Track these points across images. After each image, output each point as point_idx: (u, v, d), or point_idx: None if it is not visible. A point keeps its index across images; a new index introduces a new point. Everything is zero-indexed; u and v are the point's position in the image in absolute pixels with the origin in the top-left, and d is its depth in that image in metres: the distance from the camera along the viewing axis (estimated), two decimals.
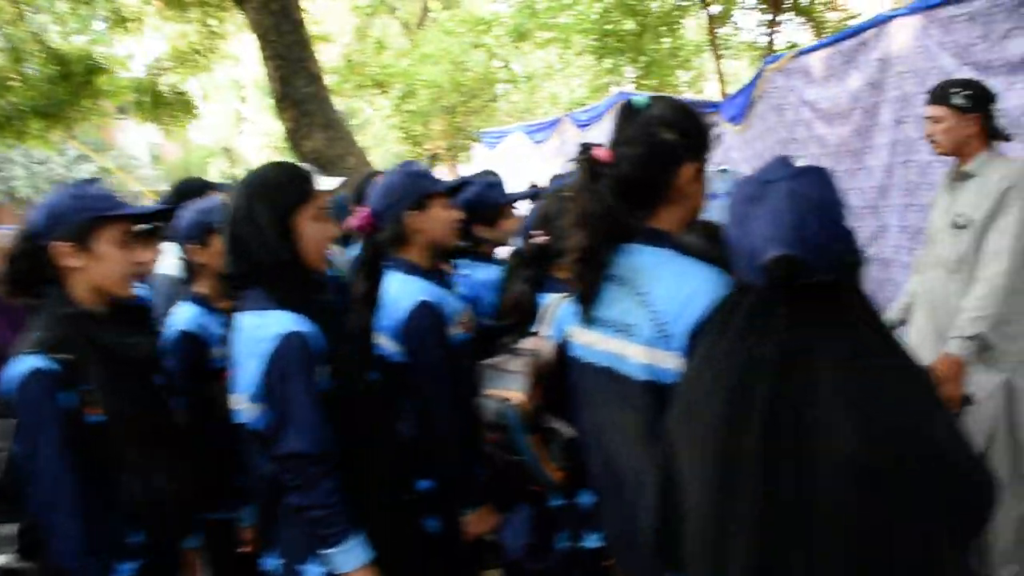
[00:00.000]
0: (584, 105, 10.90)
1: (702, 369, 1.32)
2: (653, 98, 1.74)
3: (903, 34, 5.45)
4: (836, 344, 1.22)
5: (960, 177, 2.97)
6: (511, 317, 2.36)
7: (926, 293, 3.03)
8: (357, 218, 2.44)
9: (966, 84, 2.95)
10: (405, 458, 2.26)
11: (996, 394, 2.73)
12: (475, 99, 13.31)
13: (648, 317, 1.60)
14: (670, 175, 1.65)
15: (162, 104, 10.13)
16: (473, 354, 2.31)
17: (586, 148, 1.72)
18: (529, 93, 14.31)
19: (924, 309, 3.02)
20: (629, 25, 11.24)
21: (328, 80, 12.84)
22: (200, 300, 2.59)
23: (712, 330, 1.34)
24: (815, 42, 6.67)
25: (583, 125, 10.12)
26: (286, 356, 1.86)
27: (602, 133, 8.98)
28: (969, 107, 2.88)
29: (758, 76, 7.12)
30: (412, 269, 2.45)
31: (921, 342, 2.98)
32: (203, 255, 2.56)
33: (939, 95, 2.97)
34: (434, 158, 13.48)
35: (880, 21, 5.68)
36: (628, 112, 1.71)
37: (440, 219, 2.48)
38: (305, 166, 2.15)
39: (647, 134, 1.66)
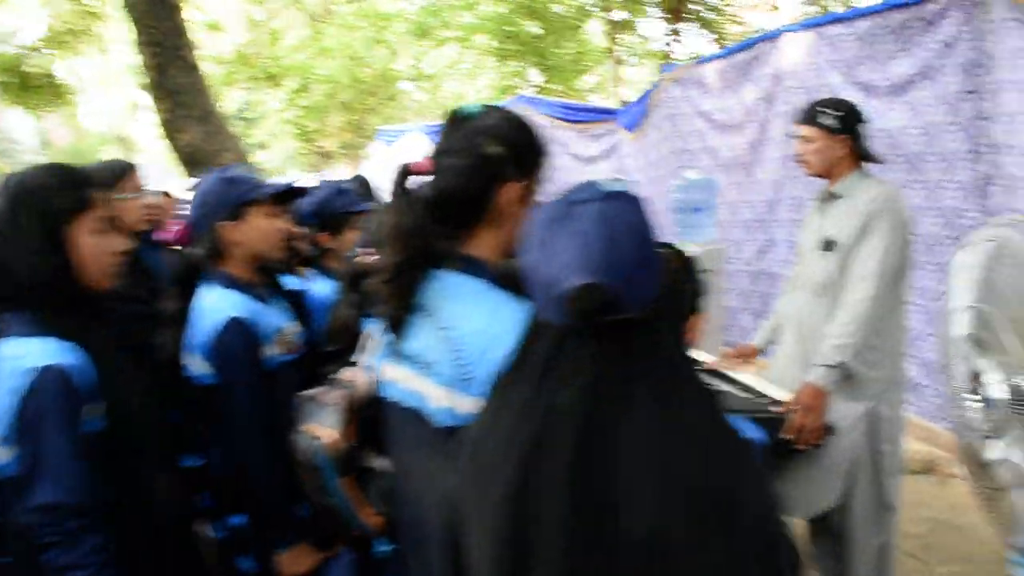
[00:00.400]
0: None
1: (495, 421, 1.12)
2: (485, 108, 1.55)
3: (794, 50, 5.46)
4: (645, 393, 1.05)
5: (829, 198, 2.89)
6: (338, 342, 2.12)
7: (793, 316, 2.95)
8: (174, 230, 2.18)
9: (836, 104, 2.87)
10: (190, 501, 2.02)
11: (859, 423, 2.65)
12: (373, 96, 12.97)
13: (450, 355, 1.40)
14: (491, 193, 1.47)
15: (31, 86, 9.49)
16: (300, 378, 2.08)
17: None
18: (431, 92, 14.05)
19: (791, 332, 2.93)
20: (532, 28, 11.15)
21: (219, 71, 12.37)
22: None
23: (508, 374, 1.15)
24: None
25: None
26: (41, 393, 1.58)
27: None
28: (838, 128, 2.80)
29: (655, 85, 7.07)
30: (229, 283, 2.19)
31: (788, 366, 2.89)
32: None
33: (808, 115, 2.88)
34: (327, 155, 13.06)
35: (773, 36, 5.70)
36: (455, 120, 1.52)
37: (260, 229, 2.23)
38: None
39: (471, 145, 1.47)
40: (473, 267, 1.49)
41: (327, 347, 2.19)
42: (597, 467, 1.03)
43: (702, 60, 6.64)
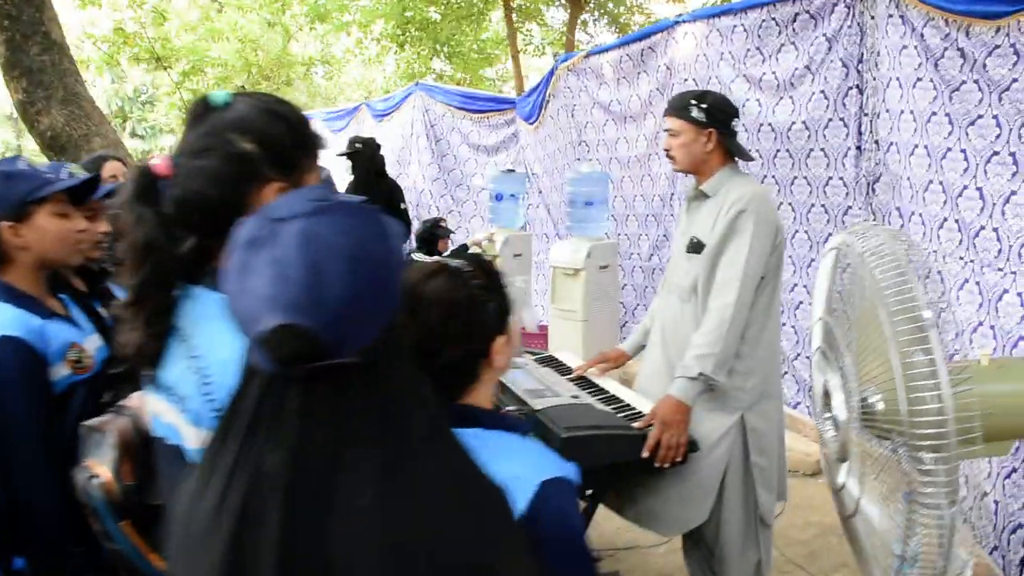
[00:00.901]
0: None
1: (204, 486, 0.90)
2: (234, 96, 1.31)
3: (687, 41, 5.36)
4: (363, 457, 0.86)
5: (697, 196, 2.73)
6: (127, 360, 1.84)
7: (660, 321, 2.78)
8: None
9: (704, 96, 2.71)
10: None
11: (728, 436, 2.51)
12: (268, 81, 12.44)
13: (199, 389, 1.18)
14: (246, 196, 1.25)
15: None
16: (96, 401, 1.81)
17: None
18: (329, 78, 13.57)
19: (657, 338, 2.76)
20: (432, 14, 10.81)
21: (98, 51, 11.67)
22: None
23: (218, 428, 0.92)
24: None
25: (379, 115, 9.63)
26: None
27: (398, 124, 8.55)
28: (706, 121, 2.64)
29: (551, 74, 6.90)
30: (7, 295, 1.89)
31: (652, 375, 2.73)
32: None
33: (676, 106, 2.71)
34: None
35: (667, 26, 5.58)
36: (200, 112, 1.29)
37: (49, 231, 1.94)
38: None
39: (219, 142, 1.25)
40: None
41: (113, 368, 1.92)
42: (308, 545, 0.83)
43: (597, 50, 6.48)
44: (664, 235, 5.93)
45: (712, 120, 2.60)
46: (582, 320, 5.66)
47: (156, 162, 1.25)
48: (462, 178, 8.64)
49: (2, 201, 1.88)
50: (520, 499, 1.22)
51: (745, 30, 4.77)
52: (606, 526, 3.86)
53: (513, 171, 7.05)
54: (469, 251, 6.37)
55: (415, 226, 7.11)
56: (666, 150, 2.70)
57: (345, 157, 6.19)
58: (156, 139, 21.70)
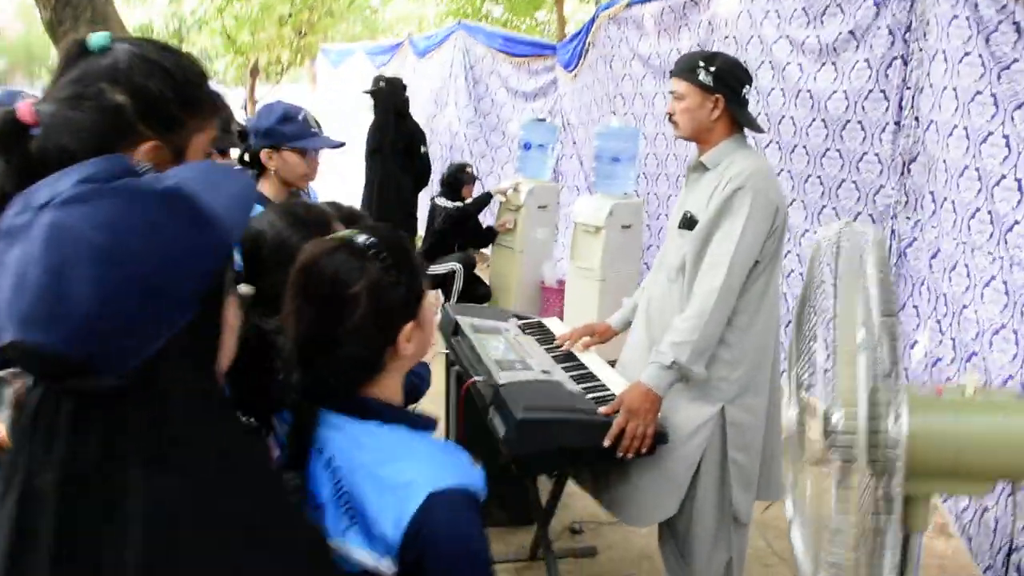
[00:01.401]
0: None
1: None
2: (115, 41, 1.18)
3: None
4: (140, 478, 0.74)
5: (697, 168, 2.53)
6: None
7: (647, 298, 2.61)
8: None
9: (714, 58, 2.49)
10: None
11: (705, 428, 2.35)
12: (311, 11, 12.22)
13: None
14: (114, 153, 1.10)
15: None
16: None
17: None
18: (376, 11, 13.32)
19: (642, 316, 2.59)
20: None
21: None
22: None
23: (13, 438, 0.81)
24: None
25: (421, 53, 9.43)
26: None
27: (439, 63, 8.34)
28: (713, 86, 2.42)
29: (592, 22, 6.62)
30: None
31: (633, 355, 2.58)
32: None
33: (683, 67, 2.49)
34: (255, 72, 12.36)
35: None
36: (74, 55, 1.16)
37: None
38: None
39: (89, 91, 1.12)
40: None
41: None
42: (82, 569, 0.73)
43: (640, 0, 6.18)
44: None
45: (720, 85, 2.39)
46: (599, 280, 5.50)
47: (20, 106, 1.13)
48: (498, 123, 8.43)
49: None
50: (405, 509, 1.12)
51: None
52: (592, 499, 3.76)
53: (544, 120, 6.84)
54: (464, 206, 6.18)
55: (443, 169, 6.99)
56: (669, 114, 2.50)
57: (369, 95, 6.04)
58: (211, 63, 21.67)
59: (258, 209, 2.47)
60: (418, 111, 9.10)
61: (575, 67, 7.00)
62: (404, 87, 6.12)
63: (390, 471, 1.16)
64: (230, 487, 0.79)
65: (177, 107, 1.16)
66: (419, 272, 1.29)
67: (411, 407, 1.56)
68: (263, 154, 2.64)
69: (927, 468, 1.46)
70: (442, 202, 6.30)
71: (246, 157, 2.69)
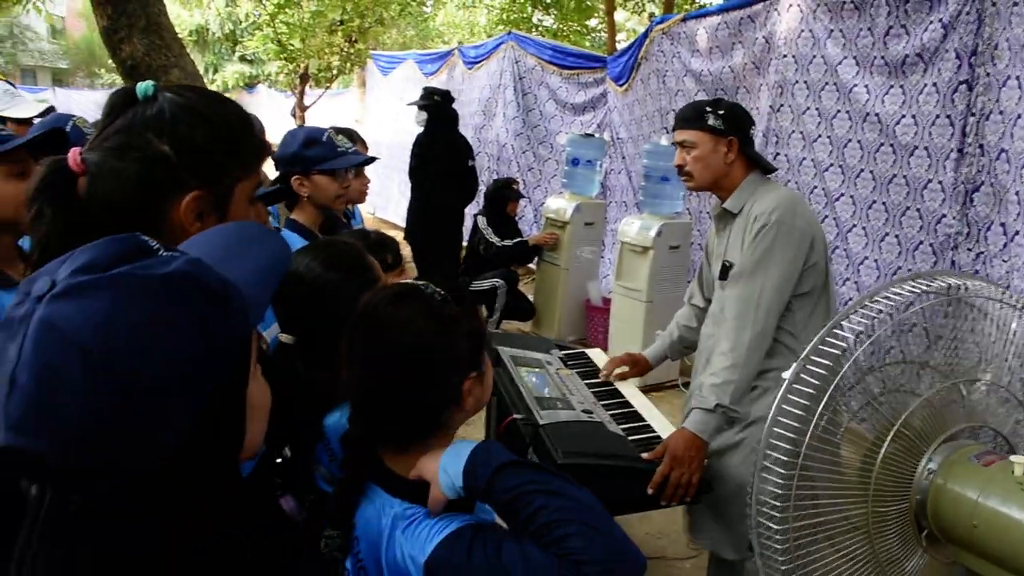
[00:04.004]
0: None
1: None
2: (160, 90, 1.14)
3: (791, 14, 4.90)
4: None
5: (723, 216, 2.45)
6: None
7: (701, 347, 2.53)
8: None
9: (719, 103, 2.42)
10: None
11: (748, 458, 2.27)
12: (362, 19, 12.24)
13: None
14: (159, 202, 1.09)
15: None
16: None
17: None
18: (423, 20, 13.32)
19: (701, 365, 2.50)
20: None
21: None
22: None
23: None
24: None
25: (469, 63, 9.38)
26: None
27: (488, 74, 8.29)
28: (725, 129, 2.34)
29: (645, 35, 6.50)
30: None
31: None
32: None
33: (688, 116, 2.42)
34: (305, 78, 12.43)
35: None
36: (121, 104, 1.12)
37: (4, 195, 1.79)
38: None
39: (135, 141, 1.09)
40: None
41: None
42: None
43: (695, 14, 6.06)
44: None
45: (731, 127, 2.32)
46: (646, 301, 5.38)
47: (69, 156, 1.09)
48: (546, 135, 8.34)
49: None
50: None
51: (856, 7, 4.30)
52: (634, 531, 3.65)
53: (592, 136, 6.73)
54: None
55: (488, 181, 6.92)
56: (679, 166, 2.42)
57: (418, 108, 5.99)
58: (263, 65, 22.00)
59: (296, 241, 2.42)
60: (466, 122, 9.09)
61: (626, 81, 6.88)
62: (452, 100, 6.07)
63: (395, 551, 1.10)
64: None
65: (221, 157, 1.13)
66: (482, 323, 1.23)
67: None
68: (294, 182, 2.58)
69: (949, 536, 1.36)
70: (483, 223, 6.23)
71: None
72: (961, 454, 1.48)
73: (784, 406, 1.46)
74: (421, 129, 6.04)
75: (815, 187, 4.70)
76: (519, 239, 6.25)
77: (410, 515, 1.14)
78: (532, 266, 7.03)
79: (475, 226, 6.34)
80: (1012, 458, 1.38)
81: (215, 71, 22.25)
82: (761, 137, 5.20)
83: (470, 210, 6.53)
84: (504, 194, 6.34)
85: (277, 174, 2.68)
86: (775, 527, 1.42)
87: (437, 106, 5.93)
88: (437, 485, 1.14)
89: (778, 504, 1.42)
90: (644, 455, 2.12)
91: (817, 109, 4.67)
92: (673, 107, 6.30)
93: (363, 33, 12.52)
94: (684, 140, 2.40)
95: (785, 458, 1.42)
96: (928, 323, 1.61)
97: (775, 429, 1.45)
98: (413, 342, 1.17)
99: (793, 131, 4.93)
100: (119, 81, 6.24)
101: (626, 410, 2.48)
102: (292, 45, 11.66)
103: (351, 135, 3.65)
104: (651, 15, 8.57)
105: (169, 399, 0.65)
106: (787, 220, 2.24)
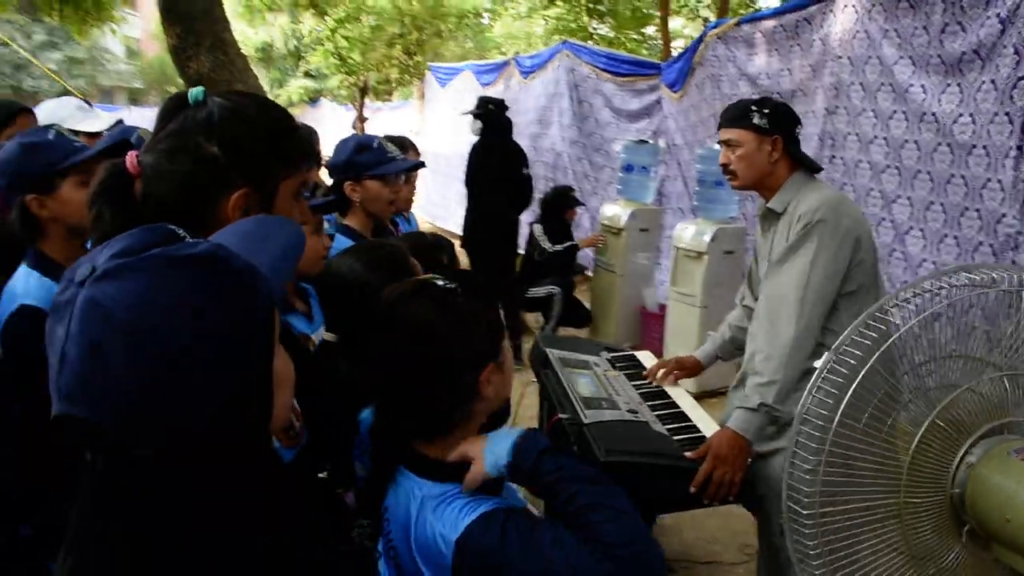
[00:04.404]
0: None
1: None
2: (209, 95, 1.22)
3: (846, 14, 4.85)
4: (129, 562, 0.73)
5: (767, 216, 2.44)
6: None
7: (748, 350, 2.53)
8: None
9: (764, 102, 2.42)
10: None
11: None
12: (419, 31, 12.46)
13: None
14: (209, 201, 1.17)
15: (67, 2, 9.30)
16: None
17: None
18: (480, 32, 13.47)
19: (747, 364, 2.51)
20: None
21: None
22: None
23: None
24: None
25: (525, 72, 9.46)
26: None
27: (543, 83, 8.35)
28: (769, 128, 2.34)
29: (699, 41, 6.49)
30: (38, 263, 1.90)
31: None
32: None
33: (733, 115, 2.42)
34: (364, 91, 12.68)
35: None
36: (173, 108, 1.21)
37: (74, 201, 1.92)
38: None
39: (186, 144, 1.17)
40: None
41: None
42: None
43: (750, 17, 6.03)
44: None
45: (776, 126, 2.32)
46: (701, 307, 5.36)
47: (127, 159, 1.18)
48: (601, 143, 8.36)
49: (25, 173, 1.87)
50: (444, 562, 1.14)
51: (911, 5, 4.24)
52: (685, 536, 3.65)
53: (646, 142, 6.73)
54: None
55: (545, 190, 6.96)
56: (723, 165, 2.42)
57: (472, 116, 6.08)
58: (326, 80, 22.47)
59: (345, 242, 2.50)
60: (522, 131, 9.15)
61: (680, 87, 6.87)
62: (506, 108, 6.14)
63: (425, 530, 1.15)
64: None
65: (266, 157, 1.21)
66: (499, 313, 1.27)
67: None
68: (346, 187, 2.67)
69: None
70: (539, 231, 6.29)
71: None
72: (1002, 448, 1.47)
73: (817, 395, 1.48)
74: (477, 138, 6.12)
75: (871, 189, 4.64)
76: (569, 243, 6.28)
77: (440, 494, 1.18)
78: (589, 273, 7.07)
79: (531, 234, 6.39)
80: None
81: (280, 86, 22.80)
82: (817, 141, 5.16)
83: (526, 218, 6.59)
84: (562, 202, 6.38)
85: (331, 181, 2.78)
86: (803, 512, 1.44)
87: (491, 114, 6.01)
88: (480, 461, 1.19)
89: (805, 489, 1.43)
90: (688, 454, 2.14)
91: (873, 110, 4.61)
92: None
93: (421, 45, 12.74)
94: (729, 139, 2.41)
95: (814, 444, 1.44)
96: (959, 316, 1.60)
97: (805, 416, 1.47)
98: (425, 340, 1.20)
99: (849, 133, 4.87)
100: None
101: (672, 410, 2.49)
102: (352, 59, 11.93)
103: (403, 143, 3.75)
104: (705, 20, 8.51)
105: (207, 371, 0.71)
106: (831, 218, 2.23)
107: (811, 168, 2.44)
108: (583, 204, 6.55)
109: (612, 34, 11.64)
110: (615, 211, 6.41)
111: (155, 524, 0.74)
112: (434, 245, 2.35)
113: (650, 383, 2.70)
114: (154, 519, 0.74)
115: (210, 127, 1.17)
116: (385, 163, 2.70)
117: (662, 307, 6.06)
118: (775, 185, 2.39)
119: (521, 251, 6.68)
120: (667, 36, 8.98)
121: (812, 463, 1.46)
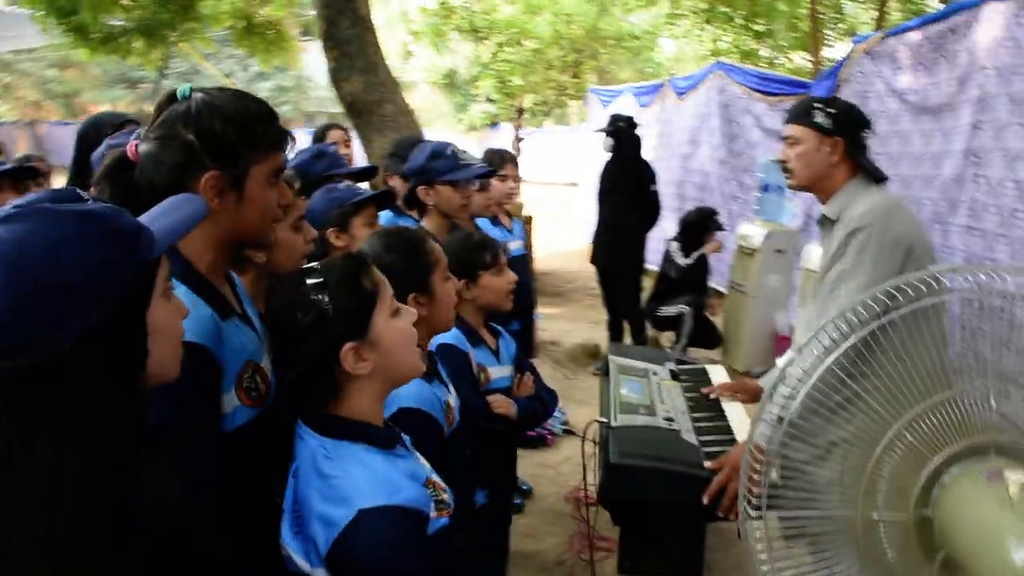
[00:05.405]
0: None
1: None
2: (191, 89, 1.40)
3: (993, 23, 4.52)
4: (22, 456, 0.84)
5: (824, 223, 2.33)
6: None
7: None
8: None
9: (832, 101, 2.30)
10: None
11: None
12: (577, 54, 12.58)
13: None
14: (185, 183, 1.33)
15: (255, 33, 10.22)
16: None
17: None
18: (636, 54, 13.42)
19: None
20: None
21: (424, 23, 12.66)
22: None
23: None
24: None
25: (680, 92, 9.37)
26: None
27: (696, 103, 8.27)
28: (832, 128, 2.22)
29: (846, 57, 6.22)
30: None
31: None
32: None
33: (798, 111, 2.33)
34: (521, 112, 12.94)
35: (970, 4, 4.74)
36: (166, 102, 1.40)
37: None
38: None
39: (170, 132, 1.35)
40: (170, 259, 1.34)
41: None
42: None
43: (897, 30, 5.72)
44: (945, 245, 5.13)
45: (839, 127, 2.21)
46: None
47: (128, 146, 1.39)
48: (750, 163, 8.15)
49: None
50: (336, 523, 1.21)
51: None
52: None
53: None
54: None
55: (685, 208, 6.87)
56: (782, 162, 2.34)
57: (604, 134, 6.13)
58: (494, 105, 23.13)
59: None
60: (674, 151, 9.09)
61: None
62: (636, 126, 6.15)
63: (333, 486, 1.23)
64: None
65: (235, 143, 1.36)
66: (365, 294, 1.35)
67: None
68: (420, 191, 2.82)
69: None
70: (674, 248, 6.22)
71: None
72: (975, 469, 1.38)
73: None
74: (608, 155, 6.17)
75: (1015, 209, 4.28)
76: (699, 253, 6.17)
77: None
78: (722, 289, 6.91)
79: (667, 251, 6.34)
80: (1007, 473, 1.28)
81: (463, 110, 23.68)
82: (961, 158, 4.82)
83: (658, 235, 6.55)
84: (705, 224, 6.27)
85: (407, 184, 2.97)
86: (753, 514, 1.41)
87: (622, 132, 6.04)
88: None
89: (754, 489, 1.41)
90: (706, 463, 2.10)
91: (1020, 124, 4.27)
92: (876, 130, 5.94)
93: (579, 67, 12.92)
94: (789, 135, 2.36)
95: (765, 443, 1.42)
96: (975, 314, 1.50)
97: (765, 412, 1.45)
98: (284, 318, 1.34)
99: (994, 149, 4.52)
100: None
101: (717, 424, 2.45)
102: (512, 81, 12.29)
103: (503, 156, 3.88)
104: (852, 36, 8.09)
105: (72, 298, 0.85)
106: (877, 225, 2.13)
107: (875, 176, 2.33)
108: (724, 229, 6.40)
109: (768, 54, 11.30)
110: (750, 231, 6.25)
111: (10, 438, 0.86)
112: (480, 243, 2.46)
113: (706, 396, 2.66)
114: (10, 433, 0.86)
115: (188, 117, 1.34)
116: (456, 170, 2.84)
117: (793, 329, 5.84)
118: (831, 189, 2.31)
119: (654, 267, 6.64)
120: (817, 52, 8.62)
121: (762, 462, 1.43)
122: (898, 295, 1.64)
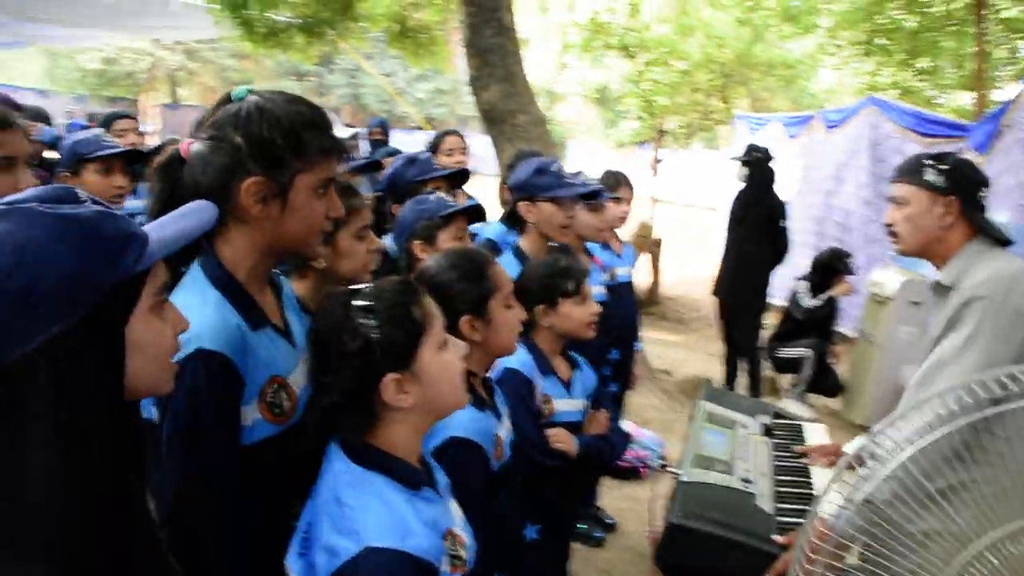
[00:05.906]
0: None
1: None
2: (248, 91, 1.39)
3: None
4: None
5: (938, 290, 2.09)
6: None
7: None
8: None
9: (944, 157, 2.05)
10: None
11: None
12: (727, 78, 12.18)
13: None
14: (229, 186, 1.33)
15: (407, 36, 10.45)
16: None
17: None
18: (787, 82, 12.84)
19: None
20: (906, 22, 9.54)
21: (576, 38, 12.59)
22: None
23: None
24: None
25: (831, 125, 8.95)
26: None
27: (846, 138, 7.89)
28: (945, 187, 2.00)
29: (1011, 100, 5.76)
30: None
31: None
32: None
33: (906, 169, 2.09)
34: (663, 133, 12.63)
35: None
36: (220, 103, 1.40)
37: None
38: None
39: (220, 133, 1.35)
40: (207, 262, 1.40)
41: None
42: None
43: None
44: None
45: (953, 185, 1.99)
46: None
47: (181, 145, 1.41)
48: None
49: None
50: (339, 555, 1.19)
51: None
52: None
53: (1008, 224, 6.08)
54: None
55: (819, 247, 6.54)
56: (888, 225, 2.13)
57: (740, 163, 5.92)
58: (641, 123, 22.85)
59: (513, 266, 2.60)
60: (818, 186, 8.69)
61: (987, 150, 6.13)
62: (771, 158, 5.91)
63: (346, 515, 1.20)
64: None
65: (281, 149, 1.34)
66: (413, 325, 1.30)
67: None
68: (521, 207, 2.76)
69: None
70: (803, 288, 5.94)
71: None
72: None
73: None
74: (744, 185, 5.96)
75: None
76: (827, 295, 5.86)
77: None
78: (851, 334, 6.53)
79: (794, 291, 6.07)
80: None
81: (612, 126, 23.55)
82: None
83: (788, 271, 6.28)
84: (835, 267, 5.96)
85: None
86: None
87: (757, 162, 5.83)
88: None
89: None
90: (777, 537, 1.95)
91: None
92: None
93: (726, 92, 12.55)
94: (896, 195, 2.15)
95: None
96: None
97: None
98: (328, 339, 1.30)
99: None
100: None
101: (800, 491, 2.28)
102: (656, 101, 12.07)
103: (618, 178, 3.78)
104: None
105: (39, 302, 0.83)
106: (997, 295, 1.90)
107: (997, 239, 2.10)
108: (855, 272, 6.05)
109: (929, 92, 10.57)
110: (884, 278, 5.88)
111: None
112: (562, 271, 2.38)
113: (797, 459, 2.49)
114: None
115: (237, 119, 1.34)
116: (560, 187, 2.76)
117: None
118: (946, 254, 2.08)
119: (780, 303, 6.35)
120: (981, 94, 8.01)
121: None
122: (1012, 382, 1.49)
